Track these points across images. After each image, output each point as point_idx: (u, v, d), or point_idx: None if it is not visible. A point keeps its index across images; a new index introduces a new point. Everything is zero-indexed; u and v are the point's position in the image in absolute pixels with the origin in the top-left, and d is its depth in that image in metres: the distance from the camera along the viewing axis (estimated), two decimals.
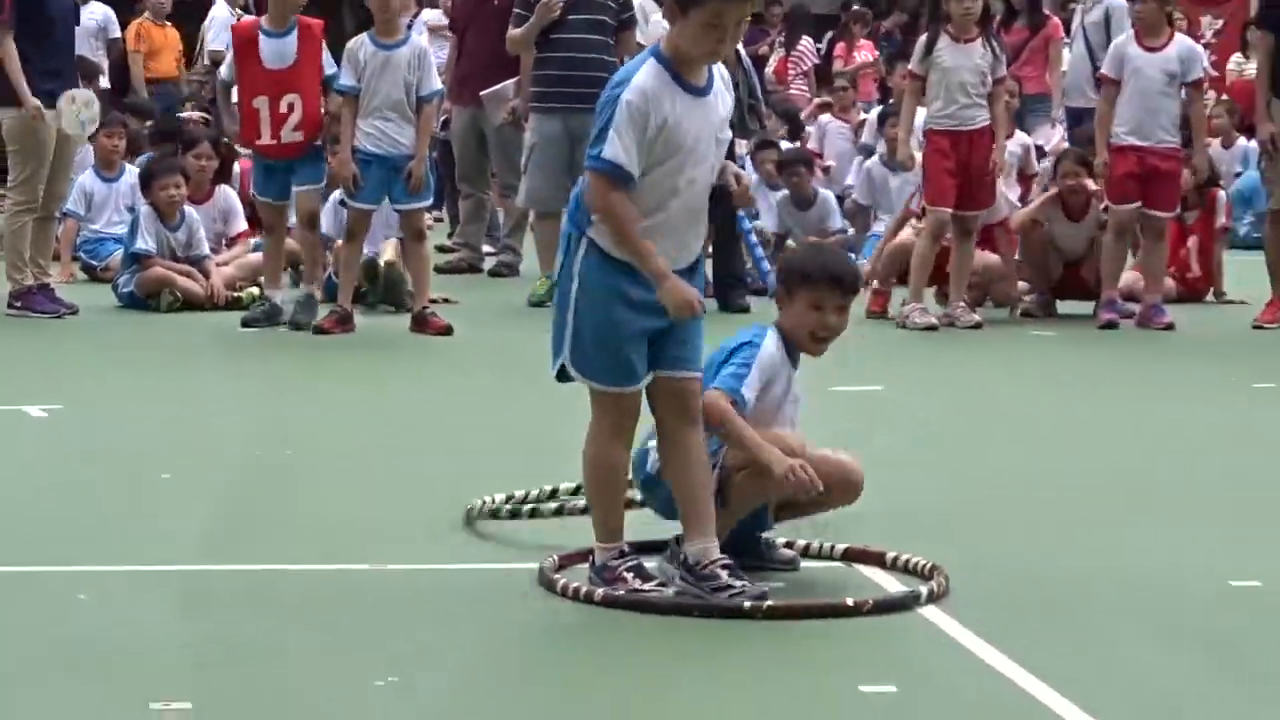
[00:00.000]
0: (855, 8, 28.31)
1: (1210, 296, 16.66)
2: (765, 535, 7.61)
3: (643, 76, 6.78)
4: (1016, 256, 15.91)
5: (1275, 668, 6.70)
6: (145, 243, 15.25)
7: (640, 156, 6.70)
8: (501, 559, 7.79)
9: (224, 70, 14.86)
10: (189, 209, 15.45)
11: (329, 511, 8.78)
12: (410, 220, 14.02)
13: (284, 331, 13.79)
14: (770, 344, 7.28)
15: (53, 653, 6.61)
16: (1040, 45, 19.94)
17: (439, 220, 17.89)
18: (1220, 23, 21.47)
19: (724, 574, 6.87)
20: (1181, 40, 15.34)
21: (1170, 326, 14.77)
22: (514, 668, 6.57)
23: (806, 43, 25.72)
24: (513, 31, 15.65)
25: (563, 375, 7.08)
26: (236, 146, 16.95)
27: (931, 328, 14.34)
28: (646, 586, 6.99)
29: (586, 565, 7.25)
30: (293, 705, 6.11)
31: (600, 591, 6.98)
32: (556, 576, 7.22)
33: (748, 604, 6.88)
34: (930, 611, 6.95)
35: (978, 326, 14.56)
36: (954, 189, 14.43)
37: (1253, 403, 12.19)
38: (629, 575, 7.00)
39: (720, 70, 7.05)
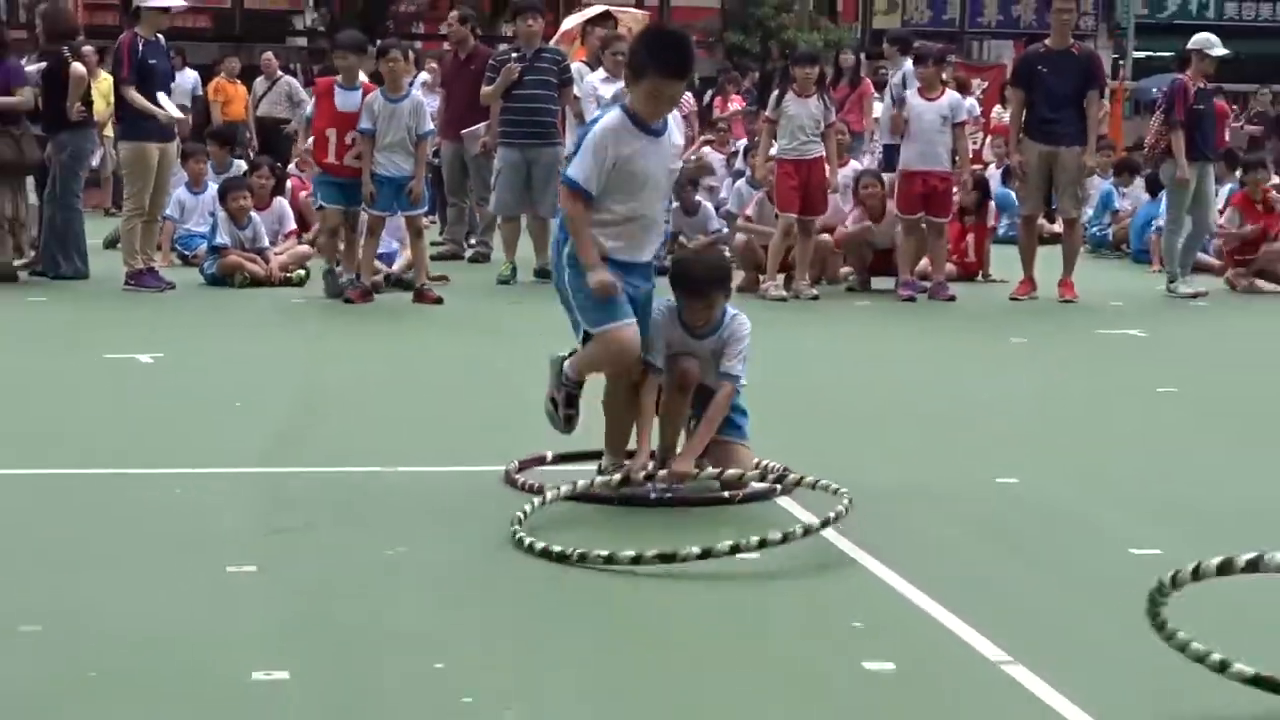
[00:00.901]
0: (730, 72, 28.42)
1: (980, 277, 16.70)
2: None
3: (608, 120, 6.74)
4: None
5: (1026, 539, 6.79)
6: (223, 238, 15.24)
7: (599, 180, 6.60)
8: (481, 463, 7.77)
9: (308, 109, 14.89)
10: (254, 214, 15.42)
11: (356, 429, 8.81)
12: (412, 222, 14.03)
13: (323, 303, 13.74)
14: (662, 307, 7.14)
15: (156, 531, 6.64)
16: (857, 99, 20.06)
17: (433, 222, 17.73)
18: (986, 83, 21.54)
19: (617, 475, 6.89)
20: (951, 93, 15.40)
21: (952, 299, 14.82)
22: (486, 540, 6.58)
23: (688, 96, 25.62)
24: (485, 89, 15.63)
25: (586, 336, 6.89)
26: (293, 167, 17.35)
27: (782, 299, 14.35)
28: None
29: (539, 466, 7.44)
30: (329, 564, 6.20)
31: (550, 493, 6.82)
32: (518, 476, 7.25)
33: (654, 495, 6.93)
34: (784, 501, 7.03)
35: (815, 298, 14.60)
36: (798, 200, 14.49)
37: (1011, 352, 12.29)
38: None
39: (674, 114, 7.02)
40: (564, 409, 7.13)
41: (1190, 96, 15.48)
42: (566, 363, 7.05)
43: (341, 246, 14.13)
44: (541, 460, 7.54)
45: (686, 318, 7.08)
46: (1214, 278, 16.57)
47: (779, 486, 7.15)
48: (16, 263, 14.67)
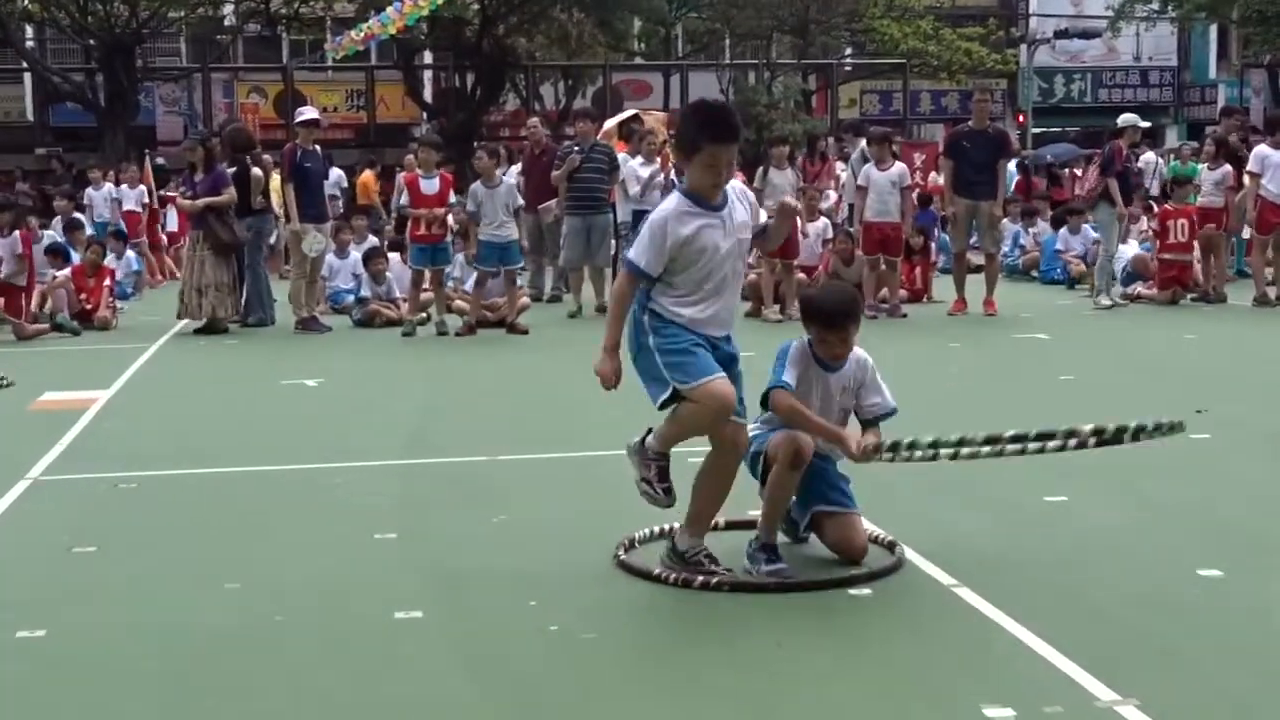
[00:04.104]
0: None
1: (925, 300, 16.59)
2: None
3: (666, 203, 5.23)
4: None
5: (967, 485, 6.67)
6: (366, 292, 15.33)
7: (658, 261, 5.08)
8: (558, 451, 7.73)
9: (403, 199, 14.70)
10: (389, 273, 15.44)
11: (467, 428, 8.79)
12: (509, 274, 13.97)
13: (440, 337, 13.72)
14: (794, 345, 5.54)
15: (321, 510, 6.64)
16: (827, 170, 19.93)
17: (523, 271, 17.58)
18: (924, 156, 21.36)
19: (706, 562, 5.27)
20: (898, 164, 15.27)
21: (904, 315, 14.74)
22: (563, 508, 6.54)
23: None
24: (554, 174, 15.64)
25: (666, 402, 5.17)
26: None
27: (779, 320, 14.18)
28: (718, 569, 5.25)
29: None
30: (450, 530, 6.16)
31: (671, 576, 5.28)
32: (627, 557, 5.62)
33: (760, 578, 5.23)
34: None
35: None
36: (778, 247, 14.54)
37: (949, 352, 12.21)
38: (705, 560, 5.28)
39: (732, 186, 5.31)
40: (660, 484, 5.35)
41: (1124, 156, 15.48)
42: (649, 439, 5.36)
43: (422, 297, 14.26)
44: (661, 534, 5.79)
45: (822, 352, 5.52)
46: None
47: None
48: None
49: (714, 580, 5.18)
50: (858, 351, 5.63)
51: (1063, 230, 19.04)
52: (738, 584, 5.19)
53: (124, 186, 22.06)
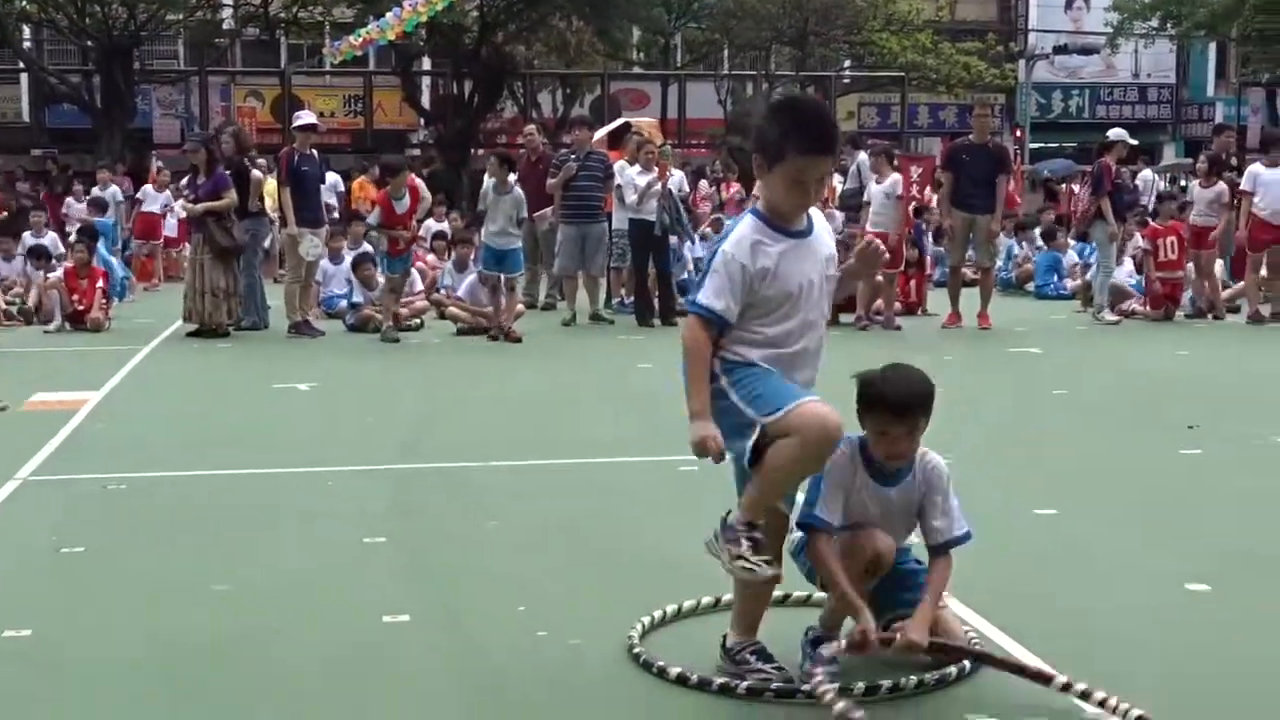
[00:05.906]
0: (730, 166, 28.39)
1: (920, 312, 16.62)
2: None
3: (739, 230, 4.14)
4: None
5: None
6: (358, 298, 15.34)
7: (736, 302, 4.06)
8: (552, 458, 7.74)
9: (373, 218, 14.52)
10: (379, 280, 15.41)
11: (459, 434, 8.79)
12: (509, 280, 14.04)
13: (434, 343, 13.74)
14: (835, 457, 4.25)
15: (312, 513, 6.63)
16: (830, 191, 19.89)
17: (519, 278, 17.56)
18: (921, 169, 21.31)
19: (753, 659, 4.27)
20: (894, 175, 15.26)
21: (899, 328, 14.78)
22: (553, 514, 6.56)
23: (703, 185, 25.56)
24: (550, 182, 15.64)
25: (754, 459, 4.06)
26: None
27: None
28: (767, 667, 4.23)
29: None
30: (440, 536, 6.16)
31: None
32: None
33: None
34: None
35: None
36: None
37: (943, 365, 12.08)
38: (752, 658, 4.27)
39: (818, 214, 4.31)
40: (757, 556, 4.10)
41: (1113, 174, 15.52)
42: (731, 515, 4.18)
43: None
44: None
45: (882, 450, 4.40)
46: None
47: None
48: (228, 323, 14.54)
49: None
50: (930, 457, 4.55)
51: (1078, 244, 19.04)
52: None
53: (148, 187, 22.43)
